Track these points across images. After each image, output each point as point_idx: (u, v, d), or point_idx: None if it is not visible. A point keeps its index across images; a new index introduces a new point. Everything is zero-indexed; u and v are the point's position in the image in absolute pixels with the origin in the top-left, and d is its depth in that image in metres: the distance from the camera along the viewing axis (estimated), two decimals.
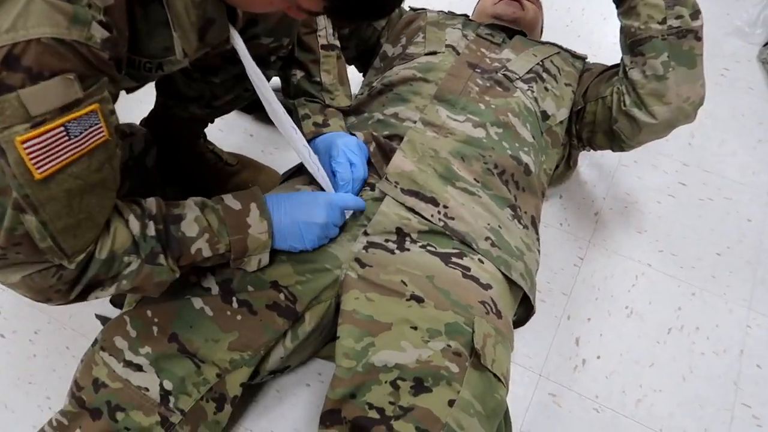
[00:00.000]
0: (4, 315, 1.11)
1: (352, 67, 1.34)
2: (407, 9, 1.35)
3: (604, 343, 1.13)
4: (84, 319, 1.11)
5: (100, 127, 0.62)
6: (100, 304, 1.10)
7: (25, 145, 0.57)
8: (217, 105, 1.07)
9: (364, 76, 1.32)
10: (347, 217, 0.91)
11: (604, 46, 1.69)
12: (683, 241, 1.29)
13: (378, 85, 1.12)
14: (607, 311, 1.18)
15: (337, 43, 1.07)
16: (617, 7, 1.07)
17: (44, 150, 0.59)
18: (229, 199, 0.82)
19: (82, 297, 0.73)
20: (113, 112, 0.65)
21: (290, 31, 0.95)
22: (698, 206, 1.35)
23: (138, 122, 1.17)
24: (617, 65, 1.17)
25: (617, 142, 1.14)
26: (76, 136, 0.60)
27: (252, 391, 1.02)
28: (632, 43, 1.03)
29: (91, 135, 0.62)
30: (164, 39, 0.71)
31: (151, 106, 1.18)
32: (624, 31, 1.06)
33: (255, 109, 1.44)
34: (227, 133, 1.43)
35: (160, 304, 0.86)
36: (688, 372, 1.10)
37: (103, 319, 1.06)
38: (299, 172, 1.06)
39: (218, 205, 0.81)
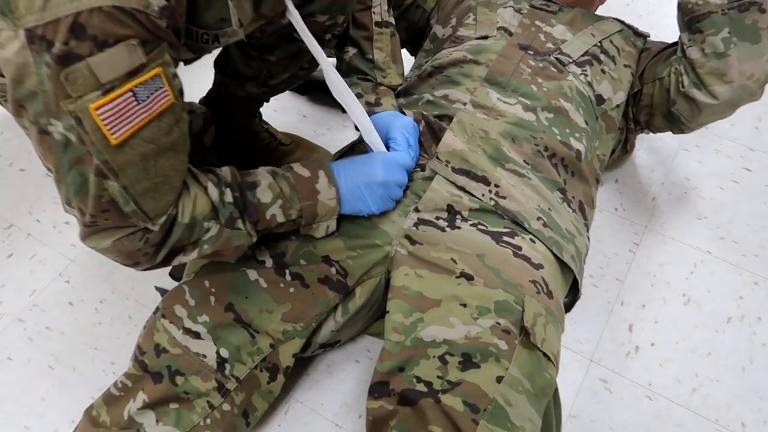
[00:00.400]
0: (72, 284, 1.18)
1: (404, 49, 1.33)
2: None
3: (659, 331, 1.10)
4: (145, 290, 1.16)
5: (165, 91, 0.65)
6: (160, 276, 1.15)
7: (98, 112, 0.60)
8: (274, 84, 1.09)
9: (415, 58, 1.31)
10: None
11: (666, 26, 1.62)
12: (746, 229, 1.24)
13: (428, 67, 1.11)
14: (663, 298, 1.14)
15: (392, 20, 1.07)
16: None
17: (116, 115, 0.62)
18: (298, 167, 0.85)
19: (167, 261, 0.77)
20: (176, 75, 0.67)
21: (345, 9, 0.95)
22: (764, 193, 1.29)
23: (197, 102, 1.21)
24: (675, 43, 1.12)
25: (677, 125, 1.10)
26: (143, 101, 0.63)
27: (303, 364, 1.05)
28: (690, 20, 0.99)
29: (157, 98, 0.64)
30: (221, 10, 0.73)
31: (209, 86, 1.21)
32: (681, 7, 1.02)
33: (308, 90, 1.46)
34: (281, 113, 1.46)
35: (217, 274, 0.89)
36: (748, 363, 1.06)
37: (163, 291, 1.11)
38: (351, 151, 1.07)
39: (288, 173, 0.83)
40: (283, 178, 0.83)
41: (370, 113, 1.00)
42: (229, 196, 0.77)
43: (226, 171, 0.79)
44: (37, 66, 0.58)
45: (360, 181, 0.85)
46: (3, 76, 0.79)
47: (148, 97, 0.63)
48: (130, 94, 0.61)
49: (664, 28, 1.61)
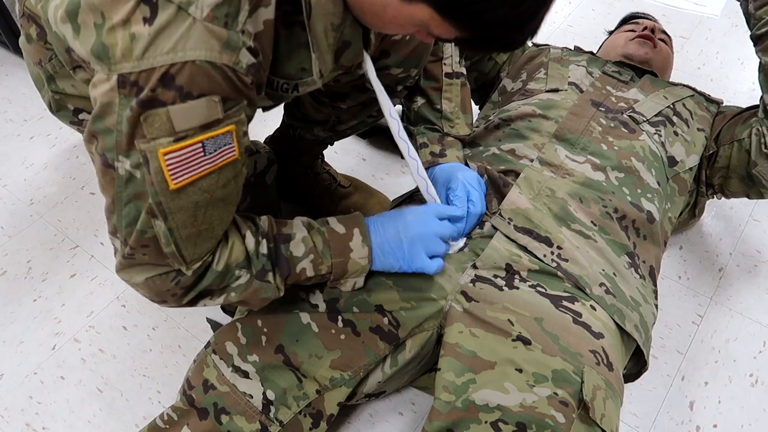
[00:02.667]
0: (128, 309, 1.20)
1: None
2: (530, 45, 1.34)
3: (723, 412, 1.04)
4: (196, 321, 1.17)
5: (233, 147, 0.67)
6: (213, 308, 1.16)
7: (166, 157, 0.62)
8: (341, 129, 1.11)
9: (480, 108, 1.32)
10: (461, 244, 0.90)
11: (739, 92, 1.59)
12: None
13: (495, 119, 1.11)
14: (728, 377, 1.08)
15: (464, 71, 1.08)
16: (755, 45, 1.00)
17: (181, 163, 0.63)
18: (334, 223, 0.84)
19: (193, 303, 0.78)
20: (246, 133, 0.69)
21: (419, 63, 0.97)
22: None
23: (262, 140, 1.24)
24: (753, 107, 1.09)
25: (755, 188, 1.06)
26: (210, 153, 0.65)
27: (346, 411, 1.03)
28: None
29: (223, 153, 0.66)
30: (302, 60, 0.75)
31: (275, 127, 1.24)
32: (764, 70, 0.99)
33: (370, 134, 1.48)
34: (342, 155, 1.48)
35: (270, 314, 0.89)
36: None
37: (213, 323, 1.12)
38: (410, 199, 1.07)
39: (323, 228, 0.83)
40: (318, 232, 0.82)
41: (434, 163, 1.00)
42: (264, 248, 0.77)
43: (264, 220, 0.80)
44: (121, 108, 0.61)
45: (390, 237, 0.84)
46: (87, 112, 0.84)
47: (215, 150, 0.65)
48: (200, 145, 0.63)
49: (737, 94, 1.58)
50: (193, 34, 0.59)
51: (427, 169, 0.98)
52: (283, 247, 0.80)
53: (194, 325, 1.17)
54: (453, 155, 1.00)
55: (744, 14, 1.02)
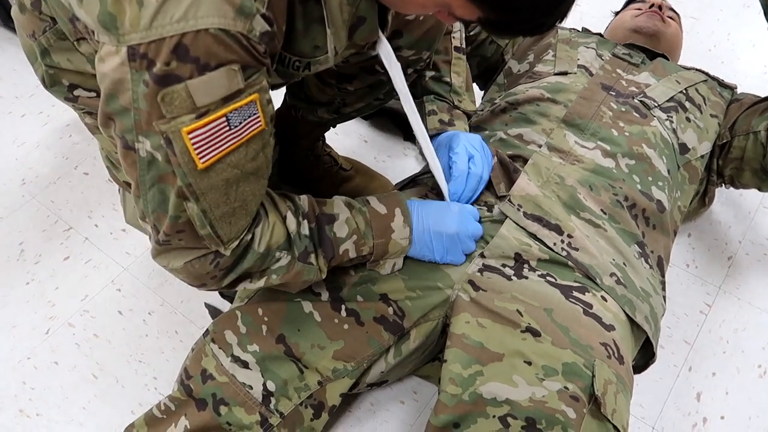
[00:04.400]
0: (123, 293, 1.17)
1: (474, 84, 1.30)
2: None
3: (730, 403, 1.02)
4: (194, 306, 1.15)
5: (258, 117, 0.63)
6: (210, 293, 1.14)
7: (190, 136, 0.58)
8: (346, 112, 1.08)
9: (484, 93, 1.28)
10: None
11: (751, 75, 1.55)
12: None
13: (501, 103, 1.07)
14: (736, 368, 1.06)
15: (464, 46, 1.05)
16: None
17: (207, 140, 0.60)
18: (375, 202, 0.82)
19: (233, 285, 0.75)
20: (270, 101, 0.65)
21: (431, 45, 0.93)
22: None
23: None
24: None
25: (767, 184, 1.03)
26: (236, 126, 0.61)
27: (346, 400, 1.01)
28: None
29: (249, 124, 0.62)
30: (317, 37, 0.71)
31: (277, 104, 1.20)
32: None
33: (372, 116, 1.44)
34: (343, 136, 1.44)
35: (271, 302, 0.86)
36: None
37: (212, 309, 1.10)
38: (413, 182, 1.04)
39: (365, 207, 0.81)
40: (359, 212, 0.80)
41: (441, 131, 0.97)
42: (305, 228, 0.75)
43: (304, 200, 0.77)
44: (135, 83, 0.57)
45: (431, 228, 0.83)
46: (90, 90, 0.80)
47: (240, 123, 0.61)
48: (224, 119, 0.59)
49: (748, 77, 1.54)
50: (204, 1, 0.55)
51: (432, 137, 0.95)
52: (327, 228, 0.77)
53: (191, 310, 1.14)
54: (461, 126, 0.97)
55: (762, 5, 0.97)
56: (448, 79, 1.01)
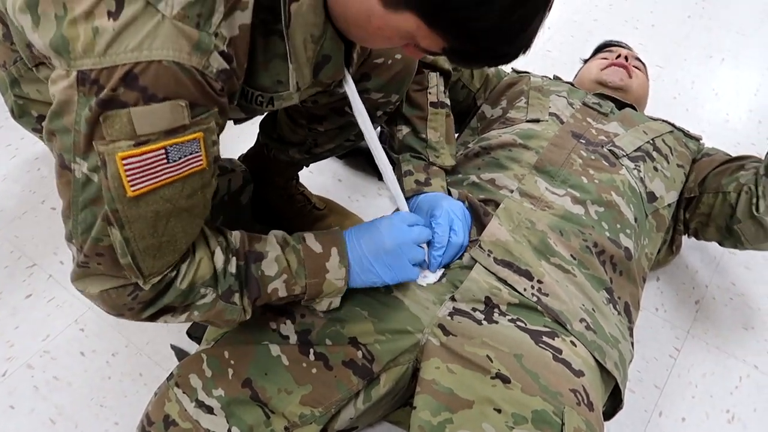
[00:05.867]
0: (87, 333, 1.14)
1: None
2: (509, 71, 1.33)
3: None
4: (160, 347, 1.12)
5: (199, 156, 0.62)
6: (177, 333, 1.11)
7: (124, 162, 0.58)
8: (317, 152, 1.08)
9: (458, 136, 1.30)
10: (439, 275, 0.88)
11: (714, 122, 1.60)
12: None
13: (475, 147, 1.09)
14: (705, 413, 1.07)
15: (447, 101, 1.06)
16: None
17: (141, 169, 0.59)
18: (311, 240, 0.80)
19: (153, 319, 0.73)
20: (216, 143, 0.65)
21: (400, 88, 0.94)
22: None
23: (236, 158, 1.20)
24: (743, 157, 1.09)
25: (731, 240, 1.06)
26: (174, 161, 0.60)
27: None
28: None
29: (189, 161, 0.62)
30: (279, 72, 0.71)
31: (249, 144, 1.20)
32: None
33: (347, 155, 1.45)
34: (317, 174, 1.44)
35: (239, 345, 0.85)
36: None
37: (178, 350, 1.07)
38: None
39: (299, 245, 0.79)
40: (293, 250, 0.78)
41: (418, 192, 0.97)
42: (233, 266, 0.73)
43: (236, 236, 0.76)
44: (80, 106, 0.56)
45: (367, 251, 0.80)
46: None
47: (179, 158, 0.60)
48: (163, 151, 0.59)
49: (711, 124, 1.59)
50: (161, 33, 0.55)
51: (409, 198, 0.96)
52: (254, 267, 0.75)
53: (157, 351, 1.11)
54: (438, 184, 0.98)
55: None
56: (424, 135, 1.02)
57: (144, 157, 0.58)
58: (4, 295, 1.19)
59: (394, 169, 0.88)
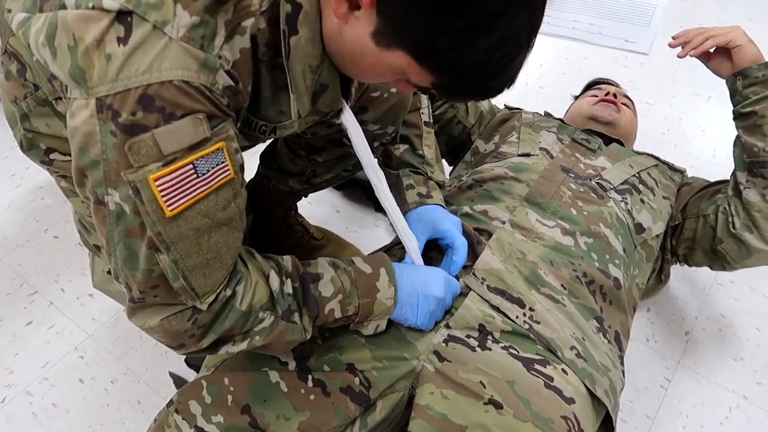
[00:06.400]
0: (86, 360, 1.15)
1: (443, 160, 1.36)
2: (502, 107, 1.38)
3: None
4: (158, 374, 1.13)
5: (226, 165, 0.64)
6: (176, 361, 1.12)
7: (157, 183, 0.60)
8: (316, 182, 1.11)
9: (453, 169, 1.34)
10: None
11: (701, 158, 1.65)
12: None
13: (468, 180, 1.13)
14: None
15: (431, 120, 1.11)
16: (736, 120, 1.03)
17: (174, 187, 0.61)
18: (360, 262, 0.84)
19: (214, 348, 0.74)
20: (238, 150, 0.67)
21: (396, 120, 0.98)
22: None
23: None
24: (720, 182, 1.13)
25: (719, 262, 1.09)
26: (203, 174, 0.62)
27: None
28: (752, 163, 1.00)
29: (217, 173, 0.64)
30: (282, 103, 0.74)
31: (249, 176, 1.24)
32: (743, 149, 1.02)
33: (345, 186, 1.49)
34: (315, 206, 1.47)
35: (238, 372, 0.86)
36: None
37: (176, 378, 1.08)
38: (387, 253, 1.07)
39: (350, 267, 0.82)
40: (344, 272, 0.81)
41: (421, 204, 1.00)
42: (289, 287, 0.76)
43: (287, 260, 0.78)
44: (103, 135, 0.59)
45: (419, 290, 0.84)
46: (66, 154, 0.82)
47: (208, 171, 0.62)
48: (191, 166, 0.61)
49: (699, 159, 1.64)
50: (169, 54, 0.58)
51: (411, 210, 0.99)
52: (312, 287, 0.78)
53: (156, 379, 1.13)
54: (437, 197, 1.01)
55: (729, 89, 1.04)
56: (421, 152, 1.06)
57: (174, 175, 0.60)
58: (5, 322, 1.21)
59: (392, 188, 0.90)
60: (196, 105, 0.60)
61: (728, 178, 1.13)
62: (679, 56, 1.03)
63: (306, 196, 1.22)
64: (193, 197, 0.63)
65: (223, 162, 0.64)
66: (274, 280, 0.74)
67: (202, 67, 0.60)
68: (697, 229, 1.09)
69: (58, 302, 1.25)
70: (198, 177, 0.62)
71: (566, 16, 2.14)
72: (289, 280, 0.76)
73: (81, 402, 1.09)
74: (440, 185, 1.07)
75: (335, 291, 0.79)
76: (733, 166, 1.05)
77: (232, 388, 0.85)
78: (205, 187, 0.63)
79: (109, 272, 0.68)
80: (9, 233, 1.38)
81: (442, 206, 1.00)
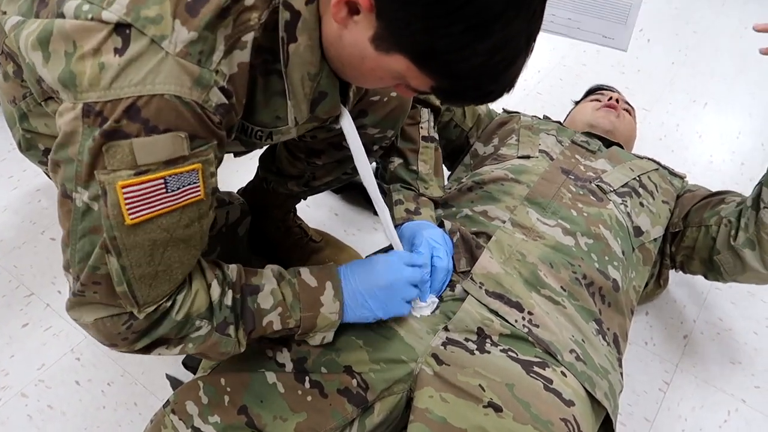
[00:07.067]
0: (83, 362, 1.15)
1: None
2: (500, 111, 1.38)
3: None
4: (155, 377, 1.12)
5: (198, 187, 0.65)
6: (173, 363, 1.12)
7: (124, 190, 0.60)
8: (315, 185, 1.11)
9: (451, 173, 1.34)
10: (433, 308, 0.90)
11: (698, 163, 1.65)
12: None
13: (468, 182, 1.13)
14: None
15: (436, 135, 1.10)
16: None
17: (140, 198, 0.61)
18: (306, 274, 0.82)
19: (147, 351, 0.74)
20: (213, 174, 0.67)
21: (395, 124, 0.98)
22: None
23: (235, 191, 1.23)
24: (724, 192, 1.13)
25: (714, 273, 1.09)
26: (173, 191, 0.62)
27: None
28: None
29: (187, 191, 0.64)
30: (278, 108, 0.74)
31: (248, 178, 1.24)
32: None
33: (343, 190, 1.48)
34: (314, 209, 1.47)
35: (235, 373, 0.86)
36: None
37: (173, 380, 1.08)
38: None
39: (294, 279, 0.81)
40: (288, 284, 0.80)
41: (408, 220, 1.00)
42: (228, 299, 0.75)
43: (232, 269, 0.78)
44: (84, 137, 0.59)
45: (362, 287, 0.83)
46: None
47: (178, 188, 0.63)
48: (162, 181, 0.61)
49: (696, 165, 1.64)
50: (164, 68, 0.58)
51: (397, 226, 0.99)
52: (250, 299, 0.77)
53: (152, 381, 1.12)
54: (427, 214, 1.01)
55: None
56: (415, 167, 1.06)
57: (143, 186, 0.61)
58: (1, 324, 1.20)
59: (384, 200, 0.90)
60: (181, 123, 0.60)
61: (726, 188, 1.14)
62: (761, 52, 0.92)
63: (305, 199, 1.22)
64: (157, 211, 0.63)
65: (195, 183, 0.64)
66: (215, 290, 0.74)
67: (195, 84, 0.60)
68: (698, 238, 1.09)
69: (55, 304, 1.24)
70: (167, 192, 0.62)
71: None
72: (230, 291, 0.75)
73: (77, 404, 1.09)
74: (436, 202, 1.07)
75: (275, 303, 0.78)
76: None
77: (228, 389, 0.84)
78: (171, 204, 0.63)
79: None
80: (6, 235, 1.37)
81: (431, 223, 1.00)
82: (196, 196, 0.65)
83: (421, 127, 1.07)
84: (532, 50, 0.64)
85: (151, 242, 0.64)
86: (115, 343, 0.72)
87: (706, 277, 1.14)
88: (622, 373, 0.96)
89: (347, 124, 0.83)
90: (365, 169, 0.86)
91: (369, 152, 0.99)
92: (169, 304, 0.70)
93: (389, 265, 0.84)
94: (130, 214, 0.61)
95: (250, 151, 0.88)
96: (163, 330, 0.71)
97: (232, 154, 0.89)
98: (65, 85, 0.59)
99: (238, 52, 0.64)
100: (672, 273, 1.33)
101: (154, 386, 1.11)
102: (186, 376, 1.08)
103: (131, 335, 0.70)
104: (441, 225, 1.01)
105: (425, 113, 1.08)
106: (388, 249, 1.07)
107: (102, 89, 0.58)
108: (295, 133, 0.80)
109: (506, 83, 0.66)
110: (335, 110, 0.80)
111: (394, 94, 0.95)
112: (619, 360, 0.97)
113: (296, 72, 0.70)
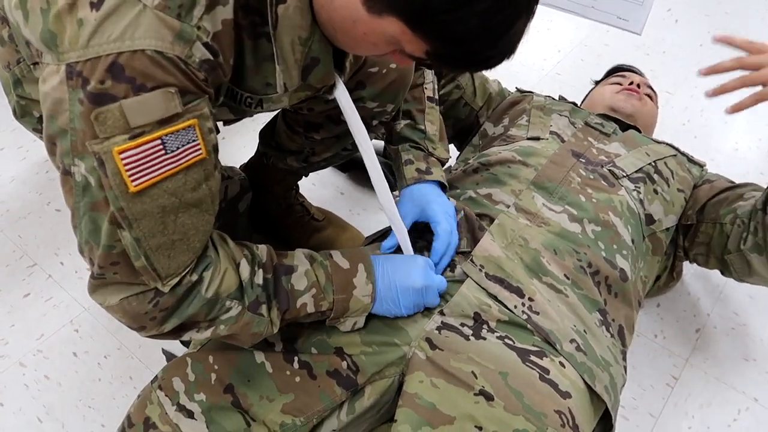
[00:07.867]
0: (81, 334, 1.15)
1: (450, 144, 1.32)
2: (513, 90, 1.33)
3: None
4: (151, 351, 1.12)
5: (198, 144, 0.62)
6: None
7: (122, 156, 0.58)
8: (315, 161, 1.09)
9: (460, 153, 1.29)
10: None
11: (723, 151, 1.58)
12: None
13: (474, 163, 1.09)
14: None
15: (437, 98, 1.07)
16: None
17: (140, 162, 0.59)
18: (338, 257, 0.81)
19: (177, 333, 0.72)
20: (212, 130, 0.64)
21: (396, 98, 0.95)
22: None
23: (238, 167, 1.21)
24: (744, 185, 1.07)
25: (728, 272, 1.05)
26: (172, 151, 0.60)
27: None
28: None
29: (188, 151, 0.61)
30: (268, 75, 0.71)
31: (250, 154, 1.22)
32: None
33: (350, 168, 1.46)
34: (320, 187, 1.45)
35: (224, 350, 0.84)
36: None
37: (169, 355, 1.07)
38: (383, 237, 1.04)
39: (327, 261, 0.80)
40: (320, 266, 0.79)
41: (420, 180, 0.97)
42: (260, 278, 0.73)
43: (262, 249, 0.76)
44: (71, 103, 0.57)
45: (398, 283, 0.81)
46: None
47: (178, 148, 0.60)
48: (159, 142, 0.58)
49: (720, 152, 1.58)
50: (142, 22, 0.56)
51: (409, 186, 0.95)
52: (284, 279, 0.75)
53: (148, 355, 1.12)
54: (438, 174, 0.97)
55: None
56: (422, 127, 1.02)
57: (141, 149, 0.58)
58: (3, 293, 1.21)
59: (392, 164, 0.87)
60: (168, 78, 0.57)
61: (752, 178, 1.09)
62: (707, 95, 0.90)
63: (306, 176, 1.20)
64: (160, 174, 0.60)
65: (194, 140, 0.61)
66: (245, 269, 0.72)
67: (177, 38, 0.57)
68: (713, 235, 1.04)
69: (57, 275, 1.24)
70: (166, 154, 0.59)
71: None
72: (261, 270, 0.73)
73: (73, 375, 1.09)
74: (443, 162, 1.03)
75: (309, 285, 0.76)
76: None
77: (216, 367, 0.83)
78: (173, 165, 0.61)
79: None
80: (12, 205, 1.38)
81: (442, 183, 0.97)
82: (198, 154, 0.62)
83: (426, 88, 1.03)
84: (534, 13, 0.60)
85: (160, 209, 0.62)
86: (144, 324, 0.69)
87: (722, 274, 1.09)
88: (625, 367, 0.92)
89: (342, 95, 0.79)
90: (364, 142, 0.83)
91: (368, 127, 0.95)
92: (195, 278, 0.68)
93: (428, 270, 0.84)
94: (132, 181, 0.59)
95: (240, 119, 0.84)
96: (193, 309, 0.69)
97: (221, 123, 0.87)
98: (47, 45, 0.57)
99: (221, 8, 0.60)
100: (687, 265, 1.28)
101: (149, 360, 1.11)
102: (182, 351, 1.07)
103: (159, 314, 0.68)
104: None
105: (429, 75, 1.04)
106: (389, 232, 1.04)
107: (81, 47, 0.55)
108: (288, 102, 0.77)
109: (505, 48, 0.62)
110: (329, 79, 0.77)
111: (393, 65, 0.91)
112: (624, 353, 0.93)
113: (286, 35, 0.67)
